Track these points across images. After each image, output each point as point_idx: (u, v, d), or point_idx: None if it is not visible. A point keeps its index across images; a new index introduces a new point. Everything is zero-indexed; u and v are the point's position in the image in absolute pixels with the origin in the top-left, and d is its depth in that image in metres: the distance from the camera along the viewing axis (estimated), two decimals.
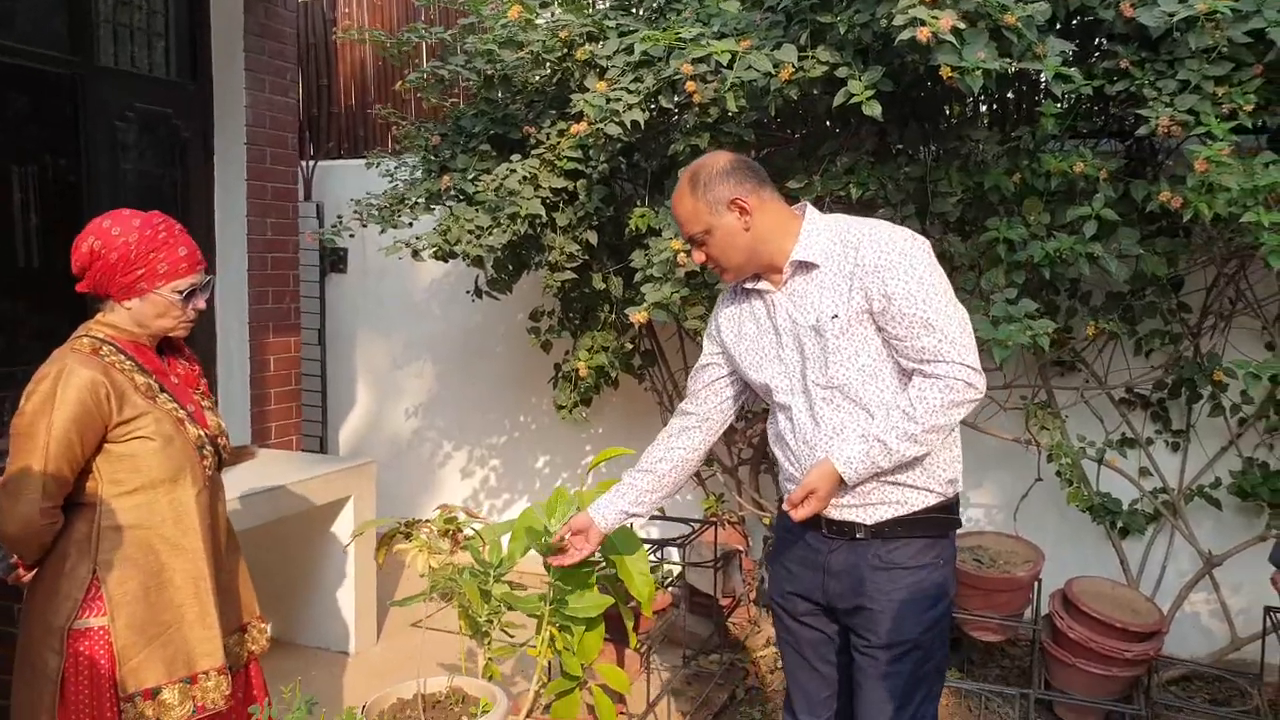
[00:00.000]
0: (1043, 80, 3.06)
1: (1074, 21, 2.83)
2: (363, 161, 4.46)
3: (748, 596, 3.80)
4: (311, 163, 5.08)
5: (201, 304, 1.94)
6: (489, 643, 2.11)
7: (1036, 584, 3.24)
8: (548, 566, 2.15)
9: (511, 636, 2.20)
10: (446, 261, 3.55)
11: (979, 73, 2.36)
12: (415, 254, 3.47)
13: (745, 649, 3.69)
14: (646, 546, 2.62)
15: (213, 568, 1.94)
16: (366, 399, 5.12)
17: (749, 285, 1.99)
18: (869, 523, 1.89)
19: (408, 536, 2.00)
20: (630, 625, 2.45)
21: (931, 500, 1.90)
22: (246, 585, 2.13)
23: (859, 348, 1.85)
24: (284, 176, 4.36)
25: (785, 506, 1.87)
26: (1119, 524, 3.43)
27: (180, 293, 1.89)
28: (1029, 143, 2.87)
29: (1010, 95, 3.33)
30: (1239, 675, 3.38)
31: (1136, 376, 3.48)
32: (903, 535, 1.89)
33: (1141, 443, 3.51)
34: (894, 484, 1.87)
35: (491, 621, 2.05)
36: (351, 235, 3.89)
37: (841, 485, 1.83)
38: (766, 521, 3.75)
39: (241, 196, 4.16)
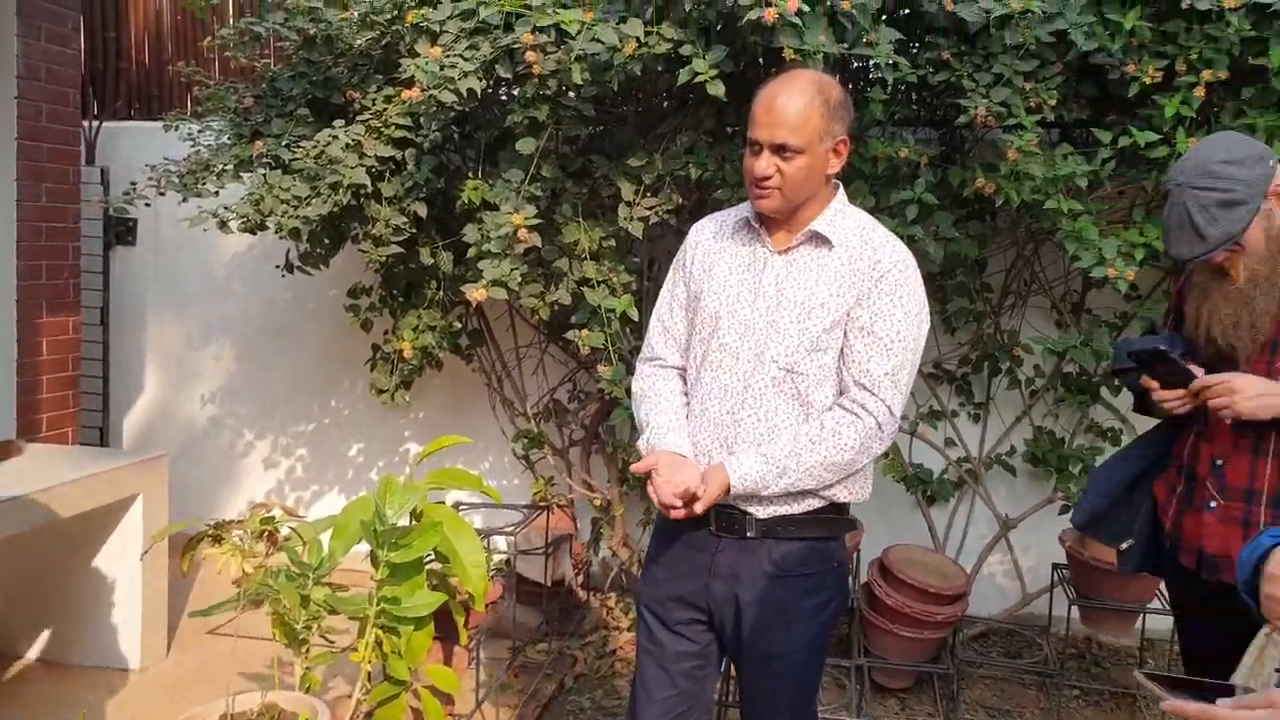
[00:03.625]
0: (869, 67, 3.20)
1: (899, 12, 2.96)
2: (157, 124, 4.06)
3: (576, 582, 3.77)
4: (96, 123, 4.58)
5: None
6: (307, 650, 1.95)
7: (855, 555, 3.40)
8: (376, 564, 2.00)
9: (332, 642, 2.05)
10: (255, 234, 3.29)
11: (820, 56, 2.42)
12: (222, 225, 3.19)
13: (575, 636, 3.66)
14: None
15: None
16: (156, 385, 4.69)
17: (754, 224, 1.86)
18: (762, 516, 1.80)
19: (217, 540, 1.81)
20: (461, 622, 2.34)
21: (827, 501, 1.84)
22: None
23: (830, 345, 1.78)
24: (63, 137, 3.90)
25: (652, 489, 1.75)
26: (929, 492, 3.66)
27: None
28: (855, 128, 2.97)
29: (838, 80, 3.45)
30: (1029, 628, 3.69)
31: (944, 353, 3.72)
32: (795, 536, 1.82)
33: (947, 415, 3.75)
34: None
35: (310, 627, 1.89)
36: (147, 204, 3.53)
37: (726, 493, 1.75)
38: (596, 504, 3.74)
39: (10, 158, 3.69)
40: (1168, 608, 3.05)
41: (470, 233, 2.95)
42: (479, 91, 2.76)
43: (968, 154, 3.28)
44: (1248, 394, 1.81)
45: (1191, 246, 1.83)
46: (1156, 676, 1.18)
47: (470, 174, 3.14)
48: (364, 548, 2.16)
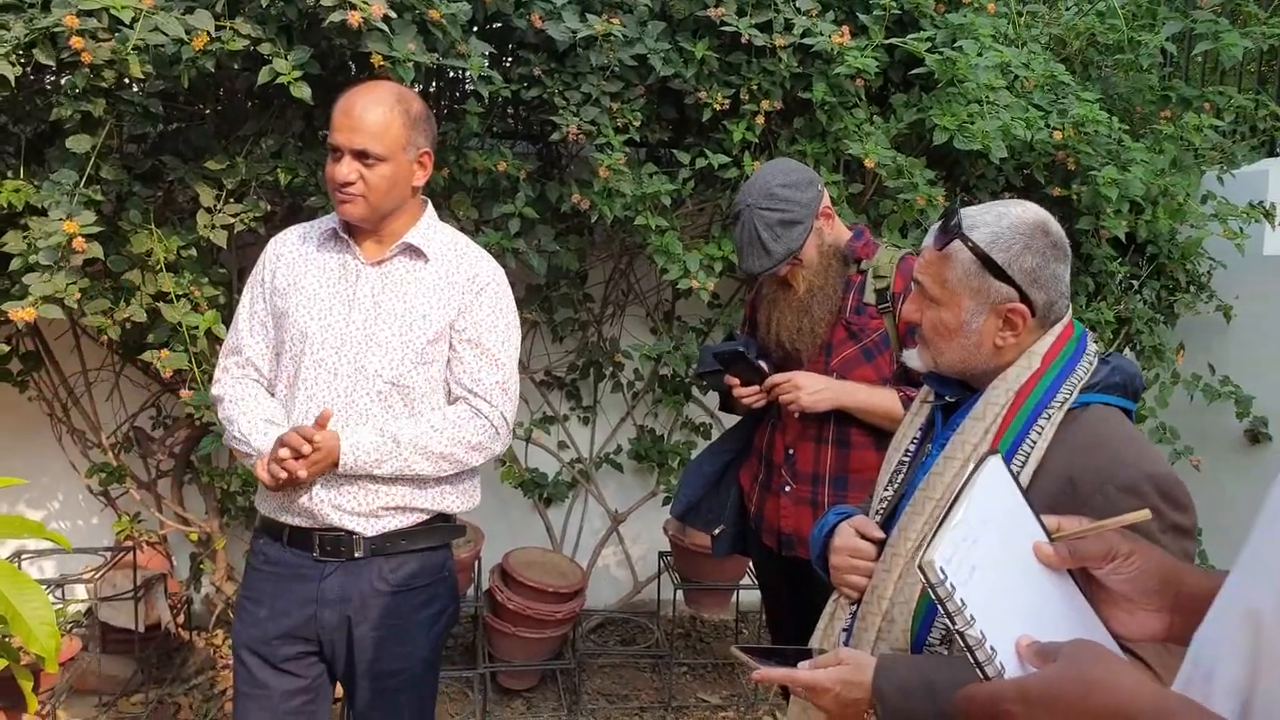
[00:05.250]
0: (463, 78, 3.20)
1: (490, 26, 2.99)
2: None
3: (176, 623, 3.41)
4: None
5: None
6: None
7: (477, 563, 3.40)
8: None
9: None
10: None
11: (410, 64, 2.38)
12: None
13: (178, 681, 3.32)
14: (44, 588, 2.19)
15: None
16: None
17: (342, 235, 1.81)
18: (370, 534, 1.77)
19: None
20: (28, 687, 2.03)
21: (435, 512, 1.85)
22: None
23: (435, 357, 1.79)
24: None
25: (258, 466, 1.70)
26: (545, 495, 3.75)
27: None
28: (454, 140, 2.97)
29: (432, 91, 3.42)
30: (641, 614, 3.92)
31: (553, 361, 3.83)
32: (405, 550, 1.81)
33: (560, 419, 3.87)
34: (399, 503, 1.80)
35: None
36: None
37: (332, 469, 1.71)
38: (194, 538, 3.40)
39: None
40: (755, 583, 3.40)
41: (12, 241, 2.55)
42: (13, 79, 2.38)
43: (565, 169, 3.41)
44: (809, 390, 2.07)
45: (760, 261, 2.05)
46: (749, 649, 1.29)
47: (9, 174, 2.71)
48: None
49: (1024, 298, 1.27)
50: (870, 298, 2.10)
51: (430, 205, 1.90)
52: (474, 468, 1.89)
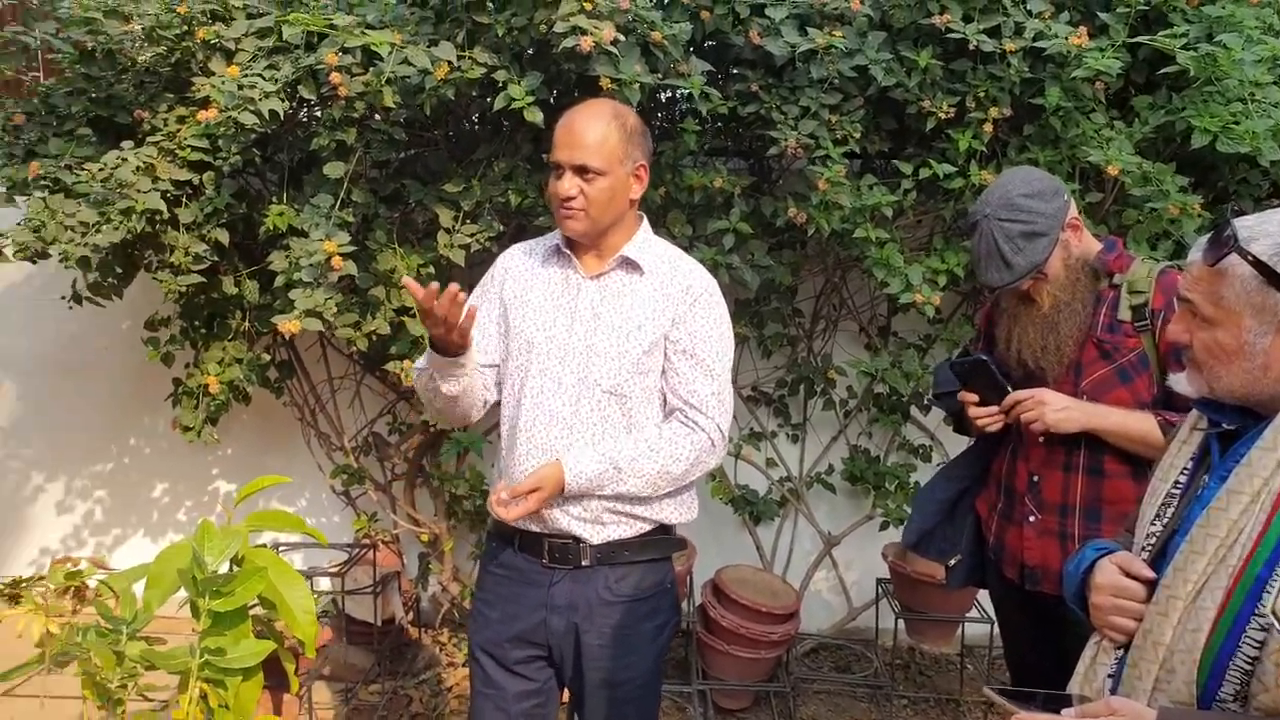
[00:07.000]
0: (679, 99, 3.24)
1: (707, 44, 3.01)
2: None
3: (406, 619, 3.63)
4: None
5: None
6: (122, 711, 1.79)
7: (689, 577, 3.42)
8: (196, 613, 1.86)
9: (152, 700, 1.89)
10: (35, 262, 3.00)
11: (636, 86, 2.43)
12: None
13: (408, 675, 3.52)
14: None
15: None
16: None
17: (564, 250, 1.89)
18: (596, 542, 1.82)
19: (15, 599, 1.63)
20: (292, 669, 2.21)
21: (656, 523, 1.88)
22: None
23: (651, 367, 1.83)
24: None
25: (493, 501, 1.76)
26: (755, 512, 3.72)
27: None
28: (670, 158, 3.01)
29: (648, 109, 3.49)
30: (856, 642, 3.81)
31: (761, 377, 3.80)
32: (629, 560, 1.84)
33: (768, 436, 3.84)
34: (623, 509, 1.83)
35: (126, 686, 1.73)
36: None
37: (559, 494, 1.77)
38: (424, 539, 3.61)
39: None
40: (984, 616, 3.23)
41: (277, 261, 2.80)
42: (282, 113, 2.62)
43: (776, 183, 3.38)
44: (1055, 406, 1.94)
45: (1000, 275, 1.94)
46: (1005, 691, 1.22)
47: (274, 199, 2.97)
48: (177, 595, 2.02)
49: None
50: (1125, 314, 1.94)
51: (645, 220, 1.95)
52: (686, 490, 1.91)
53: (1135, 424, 1.89)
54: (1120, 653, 1.27)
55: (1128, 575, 1.27)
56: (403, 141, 2.90)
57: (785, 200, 3.00)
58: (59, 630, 1.63)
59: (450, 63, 2.52)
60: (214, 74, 2.68)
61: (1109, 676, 1.27)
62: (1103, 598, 1.28)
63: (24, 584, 1.69)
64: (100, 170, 2.78)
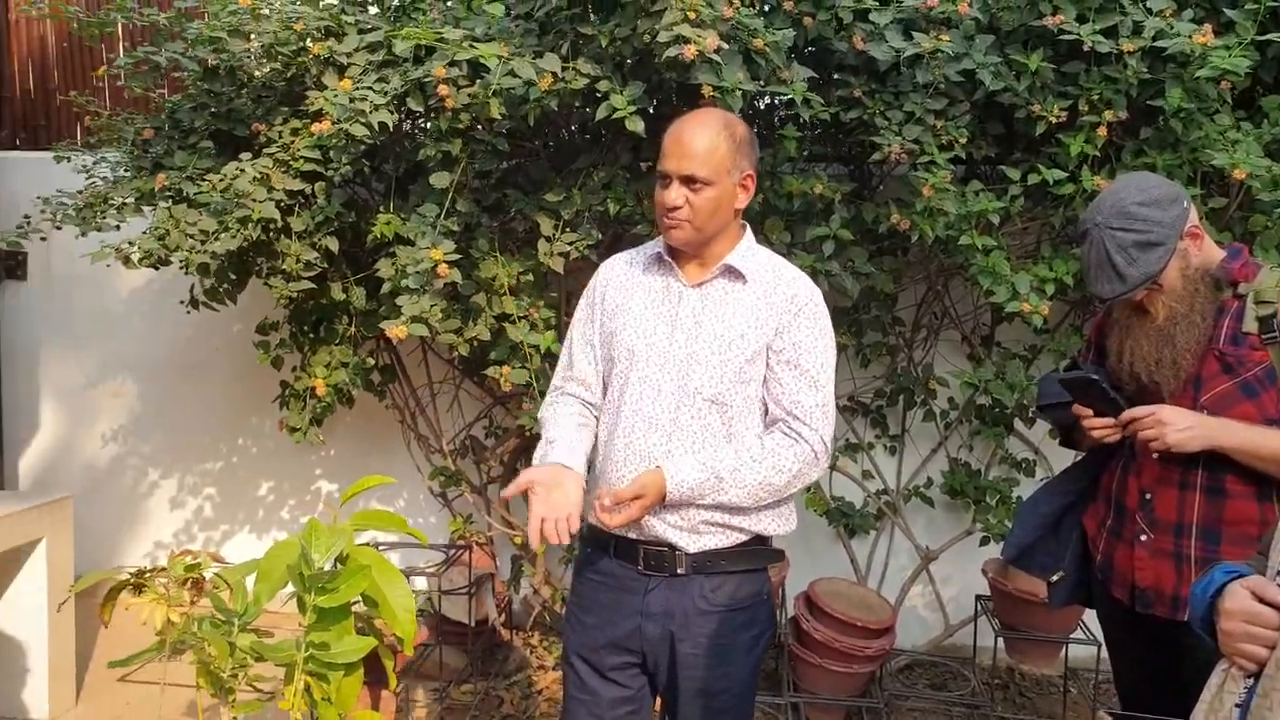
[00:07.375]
0: (778, 105, 3.22)
1: (809, 50, 2.99)
2: (46, 154, 3.87)
3: (499, 621, 3.68)
4: None
5: None
6: (233, 700, 1.86)
7: (781, 588, 3.38)
8: (303, 608, 1.93)
9: (260, 690, 1.96)
10: (158, 269, 3.16)
11: (738, 93, 2.42)
12: (125, 260, 3.05)
13: (500, 676, 3.57)
14: None
15: None
16: (54, 424, 4.46)
17: (666, 259, 1.89)
18: (692, 550, 1.81)
19: (139, 589, 1.72)
20: (390, 666, 2.27)
21: (753, 534, 1.86)
22: None
23: (753, 376, 1.82)
24: None
25: (596, 509, 1.75)
26: (850, 525, 3.66)
27: None
28: (770, 164, 2.99)
29: (749, 116, 3.47)
30: (953, 659, 3.71)
31: (859, 386, 3.74)
32: (725, 570, 1.83)
33: (864, 447, 3.77)
34: (720, 520, 1.82)
35: (237, 675, 1.80)
36: (43, 238, 3.37)
37: (661, 502, 1.76)
38: (517, 541, 3.66)
39: None
40: (1090, 638, 3.11)
41: (384, 268, 2.87)
42: (391, 125, 2.70)
43: (877, 190, 3.33)
44: (1177, 426, 1.83)
45: (1112, 286, 1.84)
46: (1121, 718, 1.18)
47: (381, 208, 3.06)
48: (283, 590, 2.09)
49: None
50: (1251, 326, 1.83)
51: (749, 229, 1.93)
52: (785, 501, 1.88)
53: (1267, 441, 1.79)
54: (1250, 681, 1.21)
55: (1261, 601, 1.21)
56: (505, 152, 2.95)
57: (887, 206, 2.95)
58: (179, 620, 1.70)
59: (555, 74, 2.56)
60: (327, 88, 2.77)
61: (1236, 706, 1.21)
62: (1233, 624, 1.22)
63: (148, 575, 1.77)
64: (220, 181, 2.90)
